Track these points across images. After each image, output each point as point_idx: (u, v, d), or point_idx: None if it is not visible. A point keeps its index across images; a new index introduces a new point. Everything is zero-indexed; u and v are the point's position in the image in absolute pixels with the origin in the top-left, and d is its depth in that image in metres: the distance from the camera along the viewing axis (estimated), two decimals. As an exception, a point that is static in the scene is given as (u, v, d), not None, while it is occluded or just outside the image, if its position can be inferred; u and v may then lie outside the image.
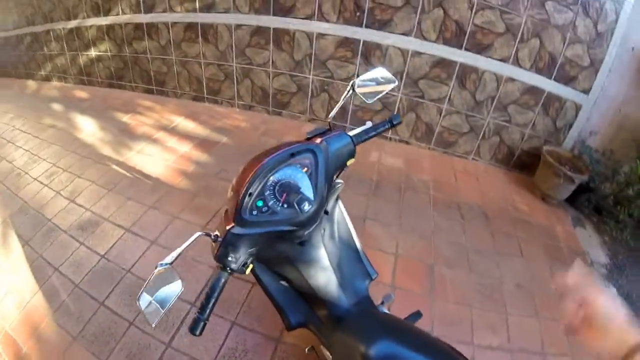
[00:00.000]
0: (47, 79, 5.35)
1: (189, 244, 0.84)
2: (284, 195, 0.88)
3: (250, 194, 0.86)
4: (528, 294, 2.16)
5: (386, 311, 1.18)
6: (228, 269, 0.82)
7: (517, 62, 2.98)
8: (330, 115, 1.09)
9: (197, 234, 0.86)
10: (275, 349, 1.79)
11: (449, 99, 3.23)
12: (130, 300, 2.02)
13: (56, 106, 4.45)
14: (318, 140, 1.00)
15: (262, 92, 3.82)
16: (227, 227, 0.84)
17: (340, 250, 1.13)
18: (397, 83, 1.17)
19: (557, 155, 2.97)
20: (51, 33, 4.92)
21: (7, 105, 4.69)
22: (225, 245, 0.83)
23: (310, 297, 1.08)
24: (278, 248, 0.98)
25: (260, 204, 0.87)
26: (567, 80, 2.99)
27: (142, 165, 3.10)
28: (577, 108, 3.07)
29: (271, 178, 0.89)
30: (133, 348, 1.82)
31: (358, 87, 1.10)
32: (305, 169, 0.92)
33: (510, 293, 2.15)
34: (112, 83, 4.70)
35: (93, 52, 4.62)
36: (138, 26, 4.06)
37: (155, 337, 1.85)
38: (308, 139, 1.05)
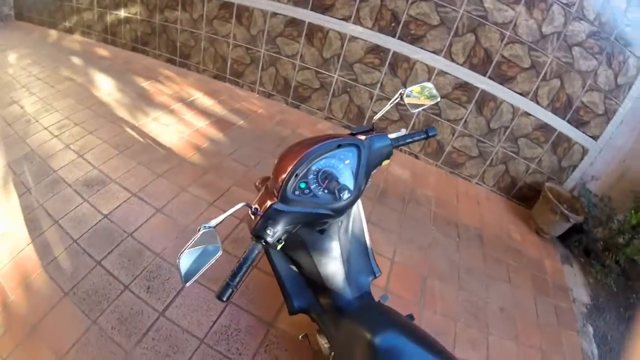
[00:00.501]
0: (70, 31, 5.14)
1: (234, 212, 0.84)
2: (326, 181, 0.93)
3: (297, 175, 0.90)
4: (510, 318, 2.17)
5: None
6: (263, 241, 0.83)
7: (535, 99, 2.96)
8: (375, 117, 1.13)
9: (242, 204, 0.88)
10: (267, 333, 1.76)
11: (465, 121, 3.19)
12: (128, 263, 1.94)
13: (76, 60, 4.28)
14: (362, 137, 1.04)
15: (285, 82, 3.73)
16: (270, 203, 0.88)
17: (352, 245, 1.16)
18: (439, 99, 1.21)
19: (557, 193, 2.98)
20: (83, -14, 4.74)
21: (27, 50, 4.51)
22: (265, 219, 0.86)
23: (316, 285, 1.11)
24: (300, 231, 0.99)
25: (303, 185, 0.91)
26: (580, 124, 2.99)
27: (157, 133, 3.00)
28: (584, 152, 3.08)
29: (317, 164, 0.93)
30: (125, 312, 1.74)
31: (406, 96, 1.16)
32: (348, 160, 0.97)
33: (494, 314, 2.16)
34: (135, 47, 4.53)
35: (122, 13, 4.44)
36: (174, -5, 3.91)
37: (149, 304, 1.78)
38: (352, 134, 1.08)
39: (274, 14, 3.45)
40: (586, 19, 2.67)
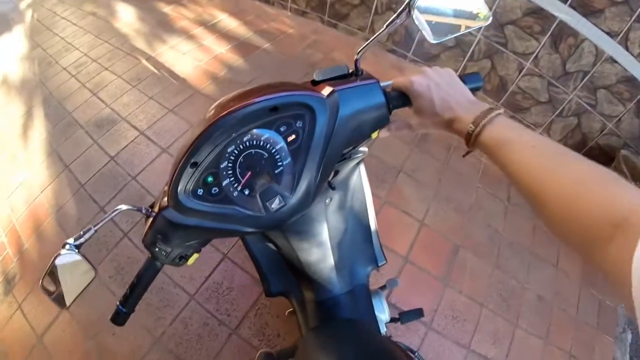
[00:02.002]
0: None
1: (105, 222, 0.65)
2: (248, 174, 0.61)
3: (195, 164, 0.59)
4: (546, 311, 2.00)
5: (384, 300, 1.06)
6: (158, 260, 0.69)
7: (625, 42, 2.50)
8: (359, 50, 0.67)
9: (122, 207, 0.66)
10: (260, 296, 1.81)
11: (536, 57, 2.82)
12: (129, 209, 2.08)
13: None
14: (326, 90, 0.63)
15: (320, -4, 3.43)
16: (160, 207, 0.64)
17: (347, 226, 0.93)
18: (490, 22, 0.71)
19: (632, 165, 2.63)
20: None
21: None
22: (154, 232, 0.65)
23: (297, 270, 0.94)
24: None
25: (210, 179, 0.60)
26: (674, 81, 2.50)
27: (172, 62, 3.02)
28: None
29: (233, 143, 0.60)
30: (122, 261, 1.92)
31: (421, 11, 0.64)
32: (292, 136, 0.61)
33: (528, 303, 1.99)
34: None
35: None
36: None
37: (145, 254, 1.90)
38: (315, 83, 0.69)
39: None
40: None
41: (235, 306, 1.78)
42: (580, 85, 2.76)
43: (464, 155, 0.66)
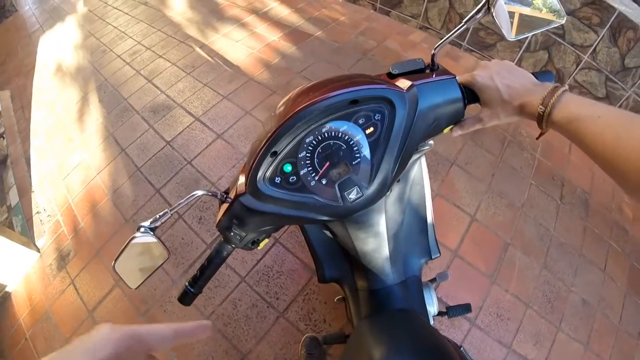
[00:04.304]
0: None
1: (182, 206, 0.69)
2: (326, 165, 0.62)
3: (275, 153, 0.61)
4: (590, 316, 1.91)
5: (433, 292, 1.05)
6: (232, 244, 0.73)
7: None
8: (437, 46, 0.69)
9: (198, 192, 0.70)
10: (309, 281, 1.84)
11: (594, 50, 2.71)
12: (185, 192, 2.16)
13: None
14: (405, 84, 0.64)
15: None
16: (238, 193, 0.66)
17: (404, 217, 0.93)
18: (564, 21, 0.70)
19: None
20: None
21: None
22: (230, 216, 0.68)
23: (352, 258, 0.95)
24: None
25: (288, 168, 0.62)
26: None
27: (226, 50, 3.09)
28: None
29: (312, 134, 0.62)
30: (176, 242, 2.01)
31: (499, 7, 0.65)
32: (371, 129, 0.62)
33: (573, 307, 1.91)
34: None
35: None
36: None
37: (199, 236, 2.01)
38: (391, 76, 0.69)
39: None
40: None
41: (285, 290, 1.82)
42: (639, 82, 2.63)
43: (537, 138, 0.65)
